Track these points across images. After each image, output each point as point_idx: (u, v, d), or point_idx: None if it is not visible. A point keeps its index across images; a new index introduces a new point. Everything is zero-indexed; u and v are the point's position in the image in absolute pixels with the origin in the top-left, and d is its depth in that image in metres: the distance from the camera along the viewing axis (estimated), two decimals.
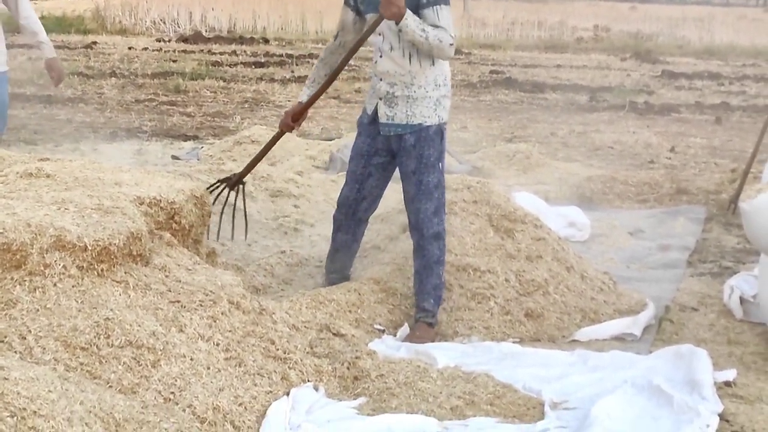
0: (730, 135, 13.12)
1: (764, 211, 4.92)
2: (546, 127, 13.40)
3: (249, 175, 8.21)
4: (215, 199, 5.68)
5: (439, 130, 5.27)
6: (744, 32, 32.57)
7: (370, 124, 5.36)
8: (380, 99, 5.26)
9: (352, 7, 5.34)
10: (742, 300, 5.83)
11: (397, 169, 5.39)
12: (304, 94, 5.52)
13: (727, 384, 4.54)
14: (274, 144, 5.91)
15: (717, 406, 4.05)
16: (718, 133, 13.31)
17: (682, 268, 6.81)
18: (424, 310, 5.23)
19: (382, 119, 5.27)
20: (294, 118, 5.54)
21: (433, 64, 5.20)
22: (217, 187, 5.86)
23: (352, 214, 5.53)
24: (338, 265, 5.69)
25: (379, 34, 5.17)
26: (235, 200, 6.01)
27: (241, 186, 5.93)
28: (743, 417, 4.05)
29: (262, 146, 6.03)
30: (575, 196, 8.81)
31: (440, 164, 5.29)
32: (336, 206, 5.64)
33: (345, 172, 5.74)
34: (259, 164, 9.02)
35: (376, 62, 5.26)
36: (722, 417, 3.96)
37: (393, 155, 5.34)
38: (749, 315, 5.68)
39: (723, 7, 63.46)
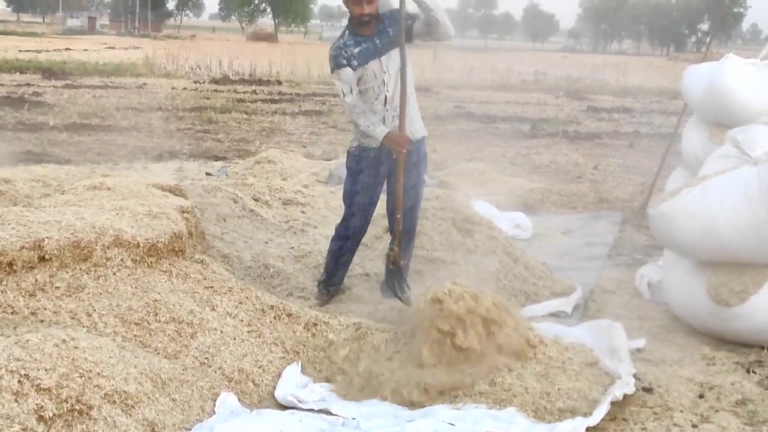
0: (640, 156, 13.14)
1: (666, 216, 4.94)
2: (497, 150, 13.40)
3: (266, 186, 8.25)
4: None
5: (425, 151, 5.08)
6: (651, 76, 32.75)
7: (375, 157, 4.93)
8: (390, 131, 4.81)
9: (347, 65, 4.82)
10: (649, 285, 5.85)
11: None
12: (381, 129, 4.80)
13: (638, 350, 4.57)
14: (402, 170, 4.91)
15: (631, 367, 4.07)
16: (631, 155, 13.34)
17: (603, 260, 6.82)
18: (397, 297, 5.01)
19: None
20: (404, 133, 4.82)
21: (413, 87, 4.95)
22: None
23: (359, 239, 5.23)
24: (337, 280, 5.30)
25: (384, 72, 4.80)
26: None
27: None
28: (651, 376, 4.06)
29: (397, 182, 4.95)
30: (520, 204, 8.80)
31: None
32: (343, 238, 5.17)
33: (343, 189, 5.18)
34: (273, 179, 9.08)
35: (384, 94, 4.84)
36: (635, 376, 3.97)
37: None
38: (655, 296, 5.71)
39: (635, 56, 63.68)
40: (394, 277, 5.06)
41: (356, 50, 4.85)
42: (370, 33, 4.86)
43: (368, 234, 5.92)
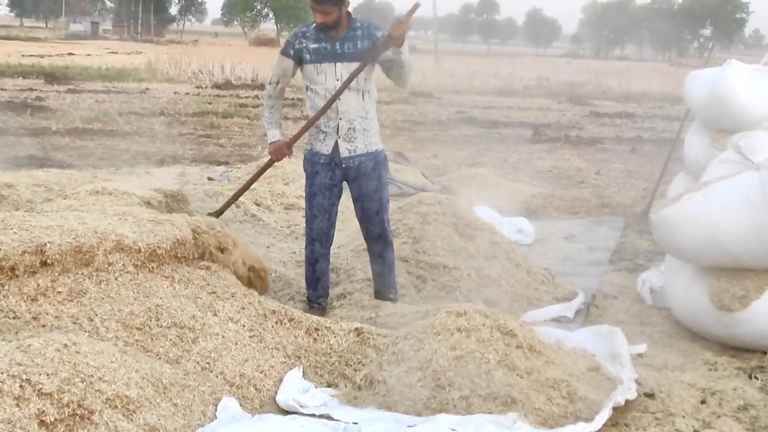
0: (642, 162, 13.15)
1: (669, 222, 4.94)
2: (500, 155, 13.40)
3: (268, 191, 8.25)
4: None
5: (385, 155, 5.11)
6: (654, 81, 32.81)
7: (327, 162, 4.94)
8: (339, 138, 4.87)
9: (291, 57, 4.90)
10: (651, 290, 5.85)
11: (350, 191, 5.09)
12: (272, 133, 5.05)
13: (640, 355, 4.56)
14: (263, 173, 5.41)
15: (632, 373, 4.07)
16: (633, 160, 13.35)
17: (605, 265, 6.83)
18: (390, 299, 5.12)
19: (344, 154, 4.89)
20: (288, 148, 5.05)
21: (375, 101, 4.98)
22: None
23: (326, 241, 5.11)
24: (321, 291, 5.17)
25: (337, 80, 4.80)
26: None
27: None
28: (652, 381, 4.06)
29: (253, 175, 5.47)
30: (522, 209, 8.81)
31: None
32: (311, 242, 5.09)
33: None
34: (275, 183, 9.08)
35: (336, 104, 4.83)
36: (637, 381, 3.97)
37: (344, 183, 5.05)
38: (657, 302, 5.71)
39: (637, 62, 63.71)
40: (382, 281, 5.15)
41: (312, 46, 4.84)
42: (334, 35, 4.83)
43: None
